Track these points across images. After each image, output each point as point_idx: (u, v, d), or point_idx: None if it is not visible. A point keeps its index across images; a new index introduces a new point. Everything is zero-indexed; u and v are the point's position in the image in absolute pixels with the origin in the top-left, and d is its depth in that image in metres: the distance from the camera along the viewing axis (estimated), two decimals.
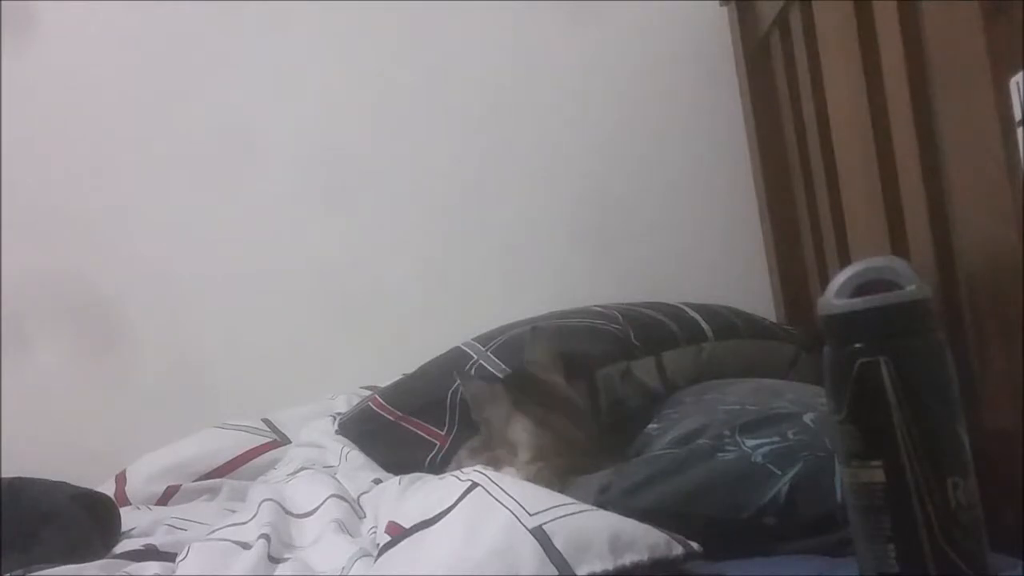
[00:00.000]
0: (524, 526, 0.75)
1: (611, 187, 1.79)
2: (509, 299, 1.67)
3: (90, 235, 1.84)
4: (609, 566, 0.72)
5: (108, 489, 1.41)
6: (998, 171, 0.74)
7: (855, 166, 1.10)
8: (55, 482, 1.23)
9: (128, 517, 1.25)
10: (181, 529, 1.21)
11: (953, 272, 0.87)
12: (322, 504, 1.09)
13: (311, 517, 1.08)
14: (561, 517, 0.76)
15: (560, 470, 1.00)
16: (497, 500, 0.80)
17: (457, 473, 0.92)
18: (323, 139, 1.84)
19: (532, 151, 1.81)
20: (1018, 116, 0.70)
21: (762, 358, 1.33)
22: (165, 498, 1.44)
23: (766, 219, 1.67)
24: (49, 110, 1.84)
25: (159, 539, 1.15)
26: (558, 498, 0.81)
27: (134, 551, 1.09)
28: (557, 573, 0.71)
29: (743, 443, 0.91)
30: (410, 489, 1.06)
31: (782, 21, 1.44)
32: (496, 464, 1.09)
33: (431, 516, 0.83)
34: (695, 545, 0.76)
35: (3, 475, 1.21)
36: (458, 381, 1.31)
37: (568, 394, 1.12)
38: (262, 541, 0.98)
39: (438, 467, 1.27)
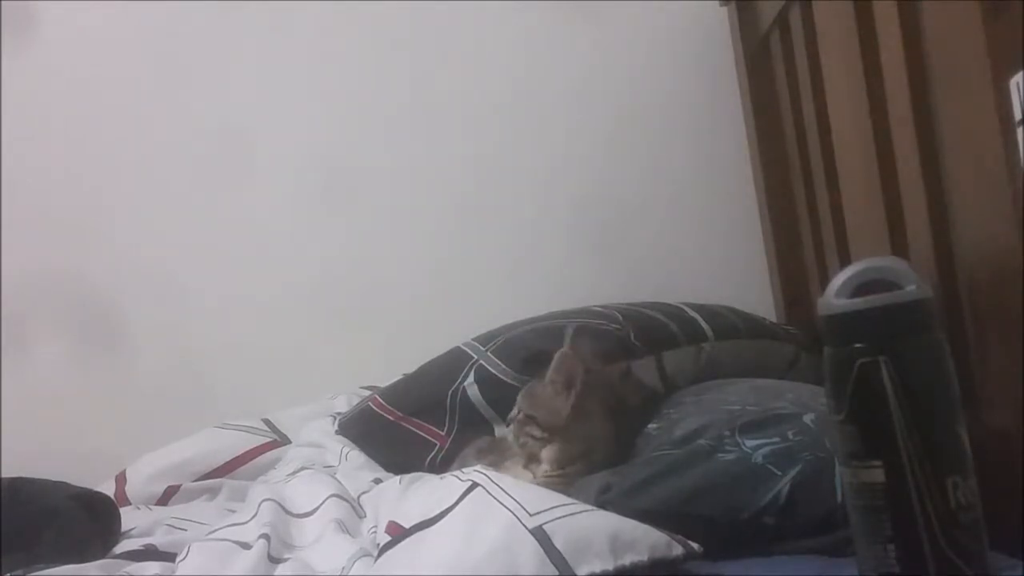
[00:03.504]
0: (524, 526, 0.75)
1: (611, 187, 1.79)
2: (509, 299, 1.67)
3: (90, 235, 1.84)
4: (609, 566, 0.72)
5: (108, 489, 1.41)
6: (998, 171, 0.74)
7: (855, 166, 1.10)
8: (55, 482, 1.24)
9: (128, 517, 1.25)
10: (181, 529, 1.21)
11: (953, 272, 0.87)
12: (322, 504, 1.09)
13: (311, 517, 1.08)
14: (561, 517, 0.76)
15: (568, 481, 1.01)
16: (497, 500, 0.80)
17: (457, 473, 0.92)
18: (323, 140, 1.84)
19: (532, 151, 1.81)
20: (1018, 116, 0.70)
21: (762, 358, 1.33)
22: (165, 498, 1.44)
23: (766, 219, 1.67)
24: (49, 110, 1.84)
25: (159, 539, 1.15)
26: (558, 498, 0.81)
27: (134, 551, 1.09)
28: (557, 573, 0.71)
29: (743, 443, 0.91)
30: (410, 489, 1.06)
31: (782, 21, 1.44)
32: (500, 464, 1.10)
33: (431, 516, 0.83)
34: (695, 545, 0.76)
35: (3, 475, 1.21)
36: (458, 380, 1.31)
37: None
38: (262, 541, 0.97)
39: (438, 467, 1.27)
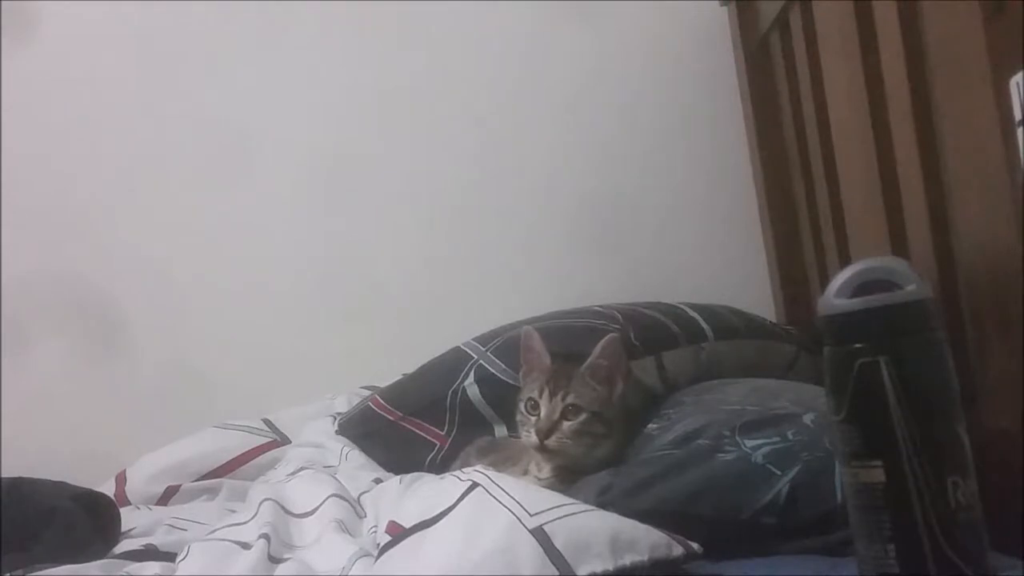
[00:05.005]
0: (524, 526, 0.75)
1: (611, 187, 1.79)
2: (509, 299, 1.67)
3: (90, 235, 1.84)
4: (609, 566, 0.72)
5: (108, 489, 1.41)
6: (998, 171, 0.74)
7: (855, 166, 1.10)
8: (55, 482, 1.24)
9: (128, 517, 1.26)
10: (181, 529, 1.21)
11: (953, 272, 0.87)
12: (322, 504, 1.09)
13: (311, 517, 1.08)
14: (561, 517, 0.76)
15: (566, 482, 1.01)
16: (497, 500, 0.80)
17: (457, 473, 0.92)
18: (323, 139, 1.84)
19: (532, 151, 1.81)
20: (1018, 116, 0.70)
21: (762, 358, 1.33)
22: (165, 498, 1.45)
23: (766, 219, 1.67)
24: (49, 110, 1.84)
25: (159, 539, 1.15)
26: (558, 498, 0.81)
27: (134, 551, 1.09)
28: (557, 573, 0.71)
29: (743, 443, 0.91)
30: (411, 489, 1.07)
31: (782, 21, 1.44)
32: (502, 466, 1.10)
33: (432, 516, 0.83)
34: (695, 545, 0.77)
35: (3, 475, 1.21)
36: (458, 380, 1.31)
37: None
38: (262, 541, 0.97)
39: (438, 467, 1.27)
